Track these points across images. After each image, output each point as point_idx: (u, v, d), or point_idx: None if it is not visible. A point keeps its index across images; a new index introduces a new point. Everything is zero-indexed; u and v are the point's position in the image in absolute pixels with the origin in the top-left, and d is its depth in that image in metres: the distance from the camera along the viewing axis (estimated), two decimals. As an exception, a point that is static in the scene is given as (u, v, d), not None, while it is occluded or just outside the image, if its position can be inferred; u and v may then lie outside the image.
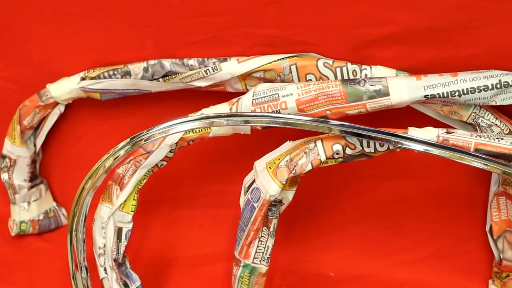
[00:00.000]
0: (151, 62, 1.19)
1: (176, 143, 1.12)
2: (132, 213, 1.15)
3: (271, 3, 1.11)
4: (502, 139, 1.03)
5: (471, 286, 1.32)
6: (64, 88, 1.24)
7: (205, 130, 1.12)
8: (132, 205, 1.15)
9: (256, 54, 1.16)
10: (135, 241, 1.28)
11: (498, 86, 1.05)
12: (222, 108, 1.12)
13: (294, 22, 1.13)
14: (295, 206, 1.14)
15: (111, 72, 1.21)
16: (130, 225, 1.16)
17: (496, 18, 1.05)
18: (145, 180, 1.15)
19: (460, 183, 1.28)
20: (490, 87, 1.05)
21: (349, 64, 1.12)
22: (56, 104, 1.28)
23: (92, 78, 1.22)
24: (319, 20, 1.12)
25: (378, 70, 1.12)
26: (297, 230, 1.36)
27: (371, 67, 1.12)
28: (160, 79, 1.19)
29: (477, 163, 1.00)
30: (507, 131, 1.11)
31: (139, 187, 1.15)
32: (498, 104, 1.06)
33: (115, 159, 1.09)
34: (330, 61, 1.13)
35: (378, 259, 1.35)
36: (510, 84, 1.04)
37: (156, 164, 1.14)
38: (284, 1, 1.11)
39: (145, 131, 1.07)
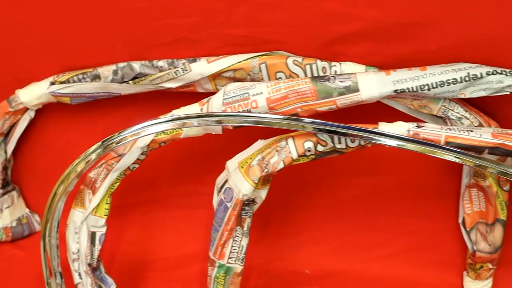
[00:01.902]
0: (121, 64, 1.18)
1: (148, 145, 1.12)
2: (105, 217, 1.15)
3: (239, 3, 1.11)
4: (472, 131, 1.04)
5: (445, 279, 1.33)
6: (33, 93, 1.23)
7: (176, 131, 1.11)
8: (105, 209, 1.14)
9: (226, 54, 1.16)
10: (109, 245, 1.28)
11: (467, 79, 1.05)
12: (193, 108, 1.11)
13: (263, 21, 1.13)
14: (269, 204, 1.14)
15: (80, 76, 1.20)
16: (104, 229, 1.15)
17: (463, 11, 1.06)
18: (118, 184, 1.15)
19: (432, 177, 1.28)
20: (459, 80, 1.05)
21: (318, 61, 1.13)
22: (26, 109, 1.27)
23: (61, 83, 1.21)
24: (288, 19, 1.12)
25: (348, 67, 1.12)
26: (271, 229, 1.36)
27: (340, 64, 1.13)
28: (130, 82, 1.18)
29: (450, 157, 1.01)
30: (477, 123, 1.12)
31: (112, 190, 1.15)
32: (467, 96, 1.07)
33: (86, 163, 1.08)
34: (299, 59, 1.13)
35: (353, 255, 1.36)
36: (479, 76, 1.05)
37: (128, 167, 1.14)
38: (252, 0, 1.11)
39: (117, 134, 1.06)
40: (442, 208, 1.30)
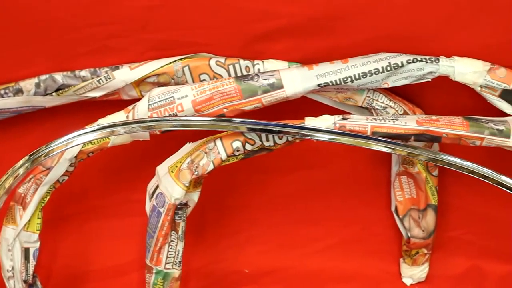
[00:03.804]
0: (43, 77, 1.17)
1: (76, 156, 1.10)
2: (38, 231, 1.13)
3: (158, 7, 1.11)
4: (397, 120, 1.05)
5: (383, 267, 1.35)
6: (-45, 112, 1.21)
7: (103, 140, 1.10)
8: (37, 223, 1.13)
9: (148, 59, 1.15)
10: (45, 260, 1.27)
11: (389, 68, 1.06)
12: (119, 116, 1.10)
13: (183, 24, 1.13)
14: (203, 207, 1.15)
15: (2, 91, 1.18)
16: (37, 244, 1.14)
17: (380, 3, 1.07)
18: (48, 197, 1.13)
19: (362, 167, 1.30)
20: (381, 70, 1.07)
21: (241, 61, 1.13)
22: (-51, 129, 1.25)
23: (-17, 99, 1.19)
24: (207, 20, 1.12)
25: (271, 64, 1.13)
26: (207, 231, 1.35)
27: (263, 62, 1.13)
28: (54, 94, 1.17)
29: (382, 147, 1.02)
30: (402, 111, 1.14)
31: (43, 204, 1.13)
32: (390, 86, 1.09)
33: (14, 178, 1.07)
34: (222, 59, 1.13)
35: (291, 251, 1.37)
36: (400, 65, 1.06)
37: (58, 180, 1.13)
38: (170, 4, 1.10)
39: (44, 146, 1.05)
40: (375, 198, 1.32)
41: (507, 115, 1.10)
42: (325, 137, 1.03)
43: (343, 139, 1.03)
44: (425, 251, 1.28)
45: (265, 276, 1.34)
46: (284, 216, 1.35)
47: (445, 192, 1.28)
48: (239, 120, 1.04)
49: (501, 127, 1.06)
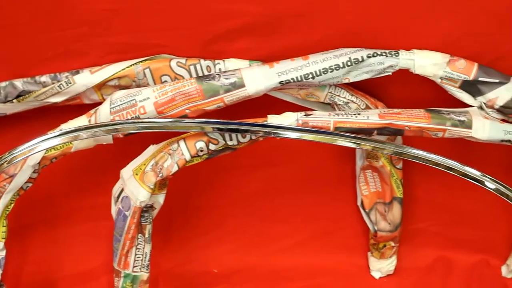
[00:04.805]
0: (2, 84, 1.15)
1: (39, 162, 1.10)
2: (3, 240, 1.12)
3: (117, 10, 1.10)
4: (359, 114, 1.06)
5: (351, 261, 1.36)
6: None
7: (67, 145, 1.10)
8: (2, 232, 1.12)
9: (109, 62, 1.15)
10: (12, 268, 1.26)
11: (349, 63, 1.07)
12: (81, 121, 1.10)
13: (143, 26, 1.12)
14: (170, 208, 1.15)
15: (-39, 101, 1.17)
16: (3, 253, 1.13)
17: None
18: (12, 205, 1.13)
19: (327, 163, 1.30)
20: (341, 66, 1.07)
21: (202, 61, 1.13)
22: None
23: None
24: (167, 21, 1.11)
25: (232, 63, 1.13)
26: (175, 232, 1.35)
27: (224, 61, 1.13)
28: (14, 100, 1.15)
29: (347, 143, 1.03)
30: (364, 106, 1.14)
31: (7, 212, 1.12)
32: (351, 81, 1.09)
33: (-23, 187, 1.06)
34: (183, 60, 1.13)
35: (260, 249, 1.37)
36: (360, 60, 1.07)
37: (22, 187, 1.12)
38: (130, 7, 1.10)
39: (7, 153, 1.04)
40: (341, 193, 1.33)
41: (468, 106, 1.11)
42: (292, 134, 1.03)
43: (309, 136, 1.03)
44: (393, 244, 1.29)
45: (235, 275, 1.34)
46: (251, 215, 1.35)
47: (410, 185, 1.29)
48: (204, 120, 1.04)
49: (462, 118, 1.07)
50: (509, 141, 1.08)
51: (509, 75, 1.11)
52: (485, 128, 1.07)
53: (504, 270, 1.36)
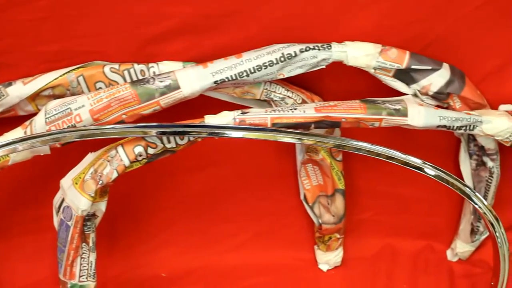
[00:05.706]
0: None
1: (-24, 178, 1.09)
2: None
3: (45, 19, 1.09)
4: (295, 109, 1.06)
5: (298, 256, 1.37)
6: None
7: (3, 158, 1.08)
8: None
9: (42, 72, 1.13)
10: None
11: (282, 59, 1.07)
12: (16, 133, 1.08)
13: (74, 33, 1.11)
14: (114, 215, 1.15)
15: None
16: None
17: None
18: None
19: (267, 160, 1.31)
20: (275, 62, 1.07)
21: (135, 65, 1.12)
22: None
23: None
24: (98, 27, 1.11)
25: (165, 66, 1.12)
26: (121, 239, 1.34)
27: (158, 64, 1.13)
28: None
29: (290, 139, 1.04)
30: (300, 100, 1.15)
31: None
32: (286, 76, 1.10)
33: None
34: (116, 66, 1.12)
35: (207, 250, 1.37)
36: (293, 55, 1.07)
37: (-41, 204, 1.11)
38: (59, 14, 1.09)
39: None
40: (284, 189, 1.33)
41: (403, 94, 1.12)
42: (236, 134, 1.04)
43: (252, 135, 1.03)
44: (338, 236, 1.30)
45: (184, 277, 1.34)
46: (196, 216, 1.35)
47: (351, 176, 1.30)
48: (143, 124, 1.03)
49: (398, 107, 1.08)
50: (444, 126, 1.10)
51: (441, 61, 1.13)
52: (420, 115, 1.09)
53: (449, 254, 1.38)
